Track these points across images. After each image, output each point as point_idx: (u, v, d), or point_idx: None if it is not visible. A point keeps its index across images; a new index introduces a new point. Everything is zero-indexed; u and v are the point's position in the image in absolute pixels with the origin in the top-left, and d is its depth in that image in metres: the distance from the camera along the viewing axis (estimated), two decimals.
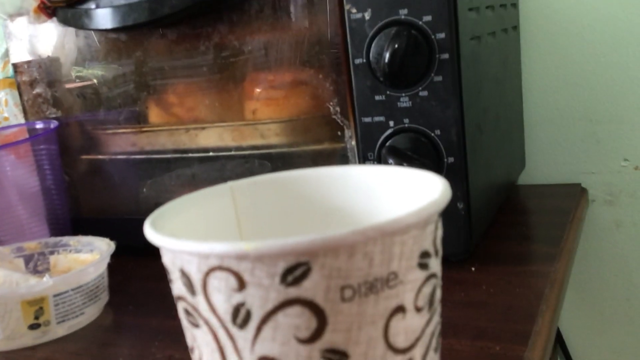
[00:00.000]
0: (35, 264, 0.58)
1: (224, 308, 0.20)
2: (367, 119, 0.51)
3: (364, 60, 0.50)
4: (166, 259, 0.22)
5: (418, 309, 0.21)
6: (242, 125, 0.59)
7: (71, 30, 0.61)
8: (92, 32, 0.60)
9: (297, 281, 0.19)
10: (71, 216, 0.67)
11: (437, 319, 0.23)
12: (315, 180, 0.29)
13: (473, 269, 0.52)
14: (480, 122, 0.54)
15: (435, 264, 0.22)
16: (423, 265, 0.21)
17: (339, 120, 0.53)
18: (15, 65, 0.66)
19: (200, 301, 0.21)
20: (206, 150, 0.61)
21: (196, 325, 0.22)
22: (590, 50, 0.71)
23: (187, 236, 0.24)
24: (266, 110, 0.58)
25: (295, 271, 0.19)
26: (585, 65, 0.71)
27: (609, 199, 0.73)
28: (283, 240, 0.19)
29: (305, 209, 0.29)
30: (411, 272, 0.21)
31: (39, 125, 0.65)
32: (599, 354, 0.77)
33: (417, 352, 0.22)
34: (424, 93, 0.49)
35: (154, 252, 0.67)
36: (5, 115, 0.86)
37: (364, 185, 0.28)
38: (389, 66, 0.48)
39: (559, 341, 0.77)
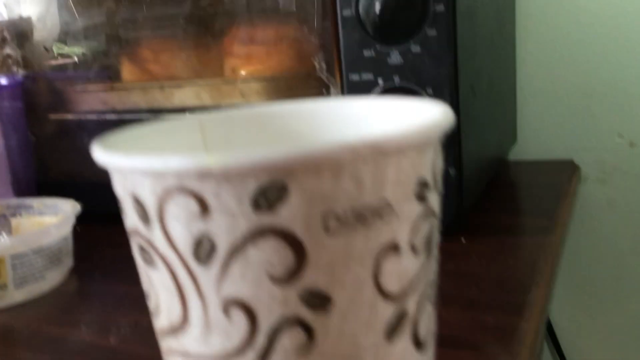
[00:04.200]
0: None
1: (184, 240, 0.17)
2: (355, 77, 0.48)
3: (353, 12, 0.47)
4: (117, 185, 0.19)
5: (414, 250, 0.18)
6: (221, 83, 0.55)
7: None
8: None
9: (271, 206, 0.16)
10: (37, 179, 0.63)
11: (434, 266, 0.20)
12: (296, 115, 0.26)
13: (463, 239, 0.49)
14: (473, 84, 0.50)
15: (435, 200, 0.19)
16: (421, 198, 0.18)
17: (324, 78, 0.50)
18: None
19: (156, 233, 0.18)
20: (182, 109, 0.57)
21: (152, 264, 0.19)
22: (587, 21, 0.68)
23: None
24: (247, 68, 0.54)
25: (269, 193, 0.16)
26: (581, 36, 0.68)
27: (602, 176, 0.71)
28: (254, 152, 0.15)
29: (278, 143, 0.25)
30: (407, 203, 0.18)
31: (3, 81, 0.60)
32: (589, 336, 0.75)
33: (411, 300, 0.19)
34: (416, 48, 0.46)
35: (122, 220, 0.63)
36: None
37: (353, 119, 0.25)
38: (380, 18, 0.44)
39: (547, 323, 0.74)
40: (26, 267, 0.45)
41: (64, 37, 0.58)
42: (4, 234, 0.47)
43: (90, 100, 0.60)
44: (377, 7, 0.44)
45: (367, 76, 0.48)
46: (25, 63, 0.62)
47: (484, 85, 0.54)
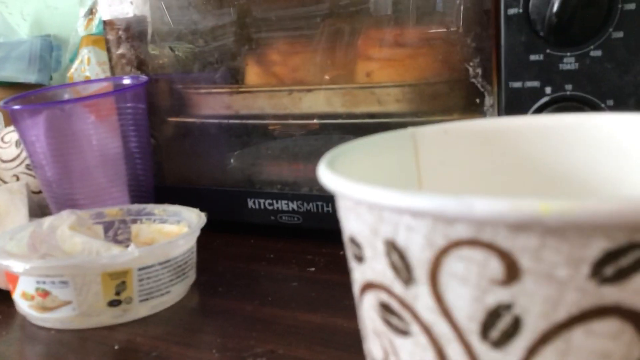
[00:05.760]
0: (116, 233, 0.52)
1: (469, 311, 0.12)
2: (517, 84, 0.42)
3: (521, 10, 0.41)
4: (358, 224, 0.14)
5: None
6: (355, 89, 0.50)
7: None
8: None
9: (622, 276, 0.11)
10: (154, 183, 0.61)
11: None
12: (529, 132, 0.20)
13: None
14: None
15: None
16: None
17: (478, 85, 0.44)
18: (105, 23, 0.60)
19: (421, 295, 0.13)
20: (310, 116, 0.53)
21: (403, 332, 0.14)
22: None
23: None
24: (385, 72, 0.49)
25: (624, 259, 0.11)
26: None
27: None
28: (617, 200, 0.10)
29: (513, 169, 0.20)
30: None
31: (127, 81, 0.59)
32: None
33: None
34: (597, 52, 0.39)
35: (241, 229, 0.60)
36: (87, 74, 0.81)
37: (609, 140, 0.19)
38: (558, 17, 0.39)
39: None
40: (152, 281, 0.43)
41: (190, 37, 0.55)
42: (132, 245, 0.45)
43: (214, 103, 0.57)
44: (555, 4, 0.38)
45: (532, 84, 0.42)
46: (140, 63, 0.60)
47: None
